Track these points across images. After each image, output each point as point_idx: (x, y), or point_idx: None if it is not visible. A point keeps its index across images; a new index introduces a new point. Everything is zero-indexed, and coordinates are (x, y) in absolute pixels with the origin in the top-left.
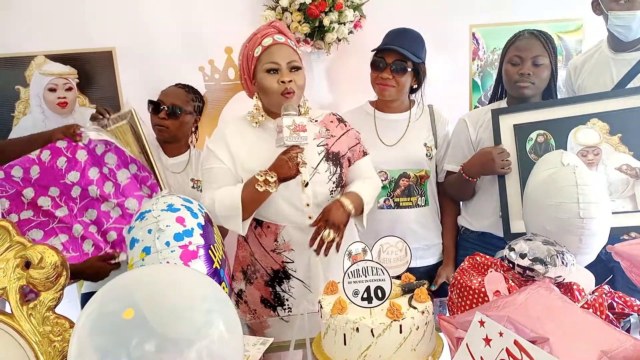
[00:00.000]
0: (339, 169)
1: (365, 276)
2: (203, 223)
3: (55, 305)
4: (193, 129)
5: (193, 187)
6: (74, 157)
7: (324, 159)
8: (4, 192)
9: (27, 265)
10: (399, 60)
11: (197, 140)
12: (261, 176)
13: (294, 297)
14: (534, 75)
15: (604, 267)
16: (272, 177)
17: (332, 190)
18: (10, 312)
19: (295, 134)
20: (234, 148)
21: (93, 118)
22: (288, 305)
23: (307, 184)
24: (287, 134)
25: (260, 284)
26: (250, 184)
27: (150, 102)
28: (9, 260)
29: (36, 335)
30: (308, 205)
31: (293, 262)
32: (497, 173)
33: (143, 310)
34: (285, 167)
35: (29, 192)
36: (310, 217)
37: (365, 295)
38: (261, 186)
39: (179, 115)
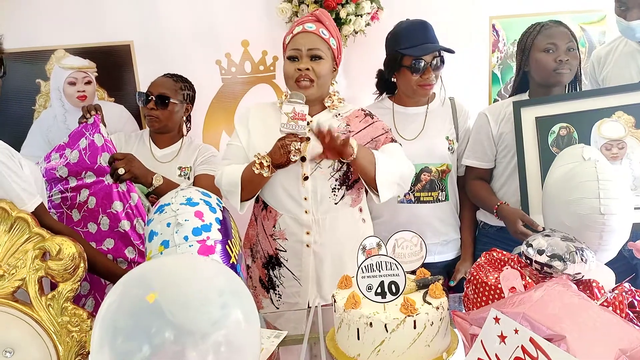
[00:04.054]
0: (345, 167)
1: (379, 271)
2: (221, 218)
3: (74, 297)
4: (185, 118)
5: (180, 175)
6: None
7: None
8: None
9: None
10: (438, 56)
11: (189, 129)
12: (257, 158)
13: (284, 285)
14: (571, 61)
15: (627, 265)
16: (266, 162)
17: (334, 188)
18: (29, 302)
19: (293, 121)
20: (252, 128)
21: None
22: (278, 292)
23: (306, 178)
24: (284, 120)
25: (259, 264)
26: (250, 165)
27: (139, 93)
28: (27, 251)
29: (54, 325)
30: (306, 199)
31: (285, 251)
32: (513, 235)
33: (161, 301)
34: (278, 154)
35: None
36: (306, 212)
37: (379, 290)
38: (257, 168)
39: (167, 104)
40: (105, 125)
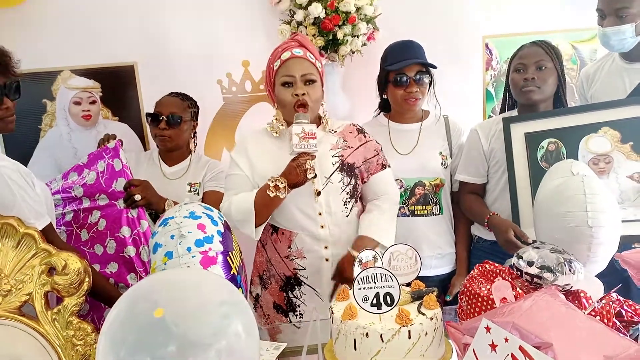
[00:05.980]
0: (353, 180)
1: (375, 283)
2: (222, 230)
3: (79, 311)
4: (192, 135)
5: (190, 191)
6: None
7: (338, 169)
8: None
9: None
10: (421, 71)
11: (196, 145)
12: (272, 182)
13: (305, 303)
14: (539, 80)
15: (619, 277)
16: (281, 183)
17: (345, 201)
18: (35, 316)
19: (304, 141)
20: (253, 157)
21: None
22: (300, 311)
23: (319, 193)
24: (295, 141)
25: (274, 289)
26: (263, 189)
27: (149, 114)
28: (34, 266)
29: (60, 339)
30: (320, 214)
31: (305, 269)
32: (501, 245)
33: (164, 312)
34: (294, 174)
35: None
36: (322, 227)
37: (374, 302)
38: (272, 191)
39: (179, 123)
40: (124, 151)
